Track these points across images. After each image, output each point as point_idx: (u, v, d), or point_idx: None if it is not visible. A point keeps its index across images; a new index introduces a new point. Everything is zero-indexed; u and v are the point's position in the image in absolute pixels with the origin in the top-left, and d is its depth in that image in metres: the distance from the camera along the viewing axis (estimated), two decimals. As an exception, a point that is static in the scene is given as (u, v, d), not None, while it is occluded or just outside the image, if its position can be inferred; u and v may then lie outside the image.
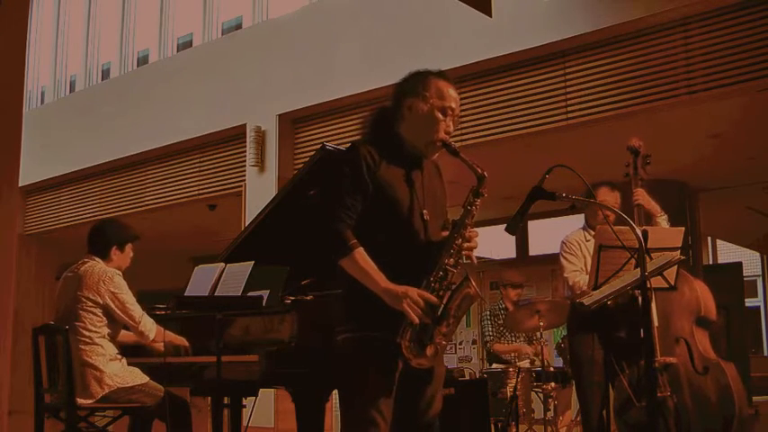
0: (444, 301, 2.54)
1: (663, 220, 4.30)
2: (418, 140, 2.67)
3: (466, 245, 2.59)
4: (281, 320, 3.49)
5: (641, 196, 4.20)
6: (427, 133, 2.65)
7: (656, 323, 3.83)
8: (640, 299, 2.87)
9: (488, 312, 6.61)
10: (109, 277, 4.05)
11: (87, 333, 3.97)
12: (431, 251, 2.60)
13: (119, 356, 4.05)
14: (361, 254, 2.52)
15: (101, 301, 4.00)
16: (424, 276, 2.54)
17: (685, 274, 4.08)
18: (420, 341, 2.50)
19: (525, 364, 6.02)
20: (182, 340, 3.91)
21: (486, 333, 6.52)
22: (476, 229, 2.64)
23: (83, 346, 3.95)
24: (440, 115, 2.64)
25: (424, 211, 2.65)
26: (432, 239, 2.64)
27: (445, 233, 2.68)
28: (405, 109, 2.67)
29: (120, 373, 3.97)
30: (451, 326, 2.55)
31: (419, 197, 2.65)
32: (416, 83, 2.69)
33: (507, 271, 7.24)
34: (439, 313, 2.52)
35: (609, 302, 3.39)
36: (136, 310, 4.03)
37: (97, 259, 4.16)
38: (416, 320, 2.46)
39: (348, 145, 2.71)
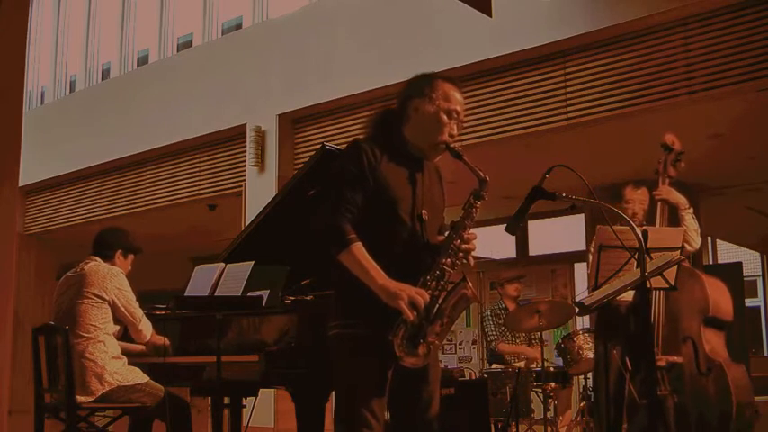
0: (440, 301, 2.53)
1: (688, 213, 4.28)
2: (422, 142, 2.67)
3: (464, 246, 2.58)
4: (281, 320, 3.48)
5: (664, 190, 4.20)
6: (432, 135, 2.65)
7: (661, 321, 3.82)
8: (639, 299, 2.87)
9: (489, 312, 6.58)
10: (114, 274, 4.13)
11: (91, 329, 4.00)
12: (428, 251, 2.60)
13: (120, 355, 4.07)
14: (359, 248, 2.51)
15: (107, 297, 4.05)
16: (420, 275, 2.54)
17: (697, 273, 4.06)
18: (413, 340, 2.48)
19: (523, 364, 6.01)
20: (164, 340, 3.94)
21: (489, 332, 6.47)
22: (476, 229, 2.64)
23: (85, 342, 3.97)
24: (445, 118, 2.64)
25: (423, 211, 2.64)
26: (429, 240, 2.64)
27: (441, 237, 2.68)
28: (410, 110, 2.67)
29: (120, 371, 3.99)
30: (445, 325, 2.54)
31: (419, 197, 2.64)
32: (423, 85, 2.68)
33: (503, 271, 7.23)
34: (434, 312, 2.51)
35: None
36: (137, 309, 4.10)
37: (99, 260, 4.22)
38: (411, 318, 2.44)
39: (350, 142, 2.71)
